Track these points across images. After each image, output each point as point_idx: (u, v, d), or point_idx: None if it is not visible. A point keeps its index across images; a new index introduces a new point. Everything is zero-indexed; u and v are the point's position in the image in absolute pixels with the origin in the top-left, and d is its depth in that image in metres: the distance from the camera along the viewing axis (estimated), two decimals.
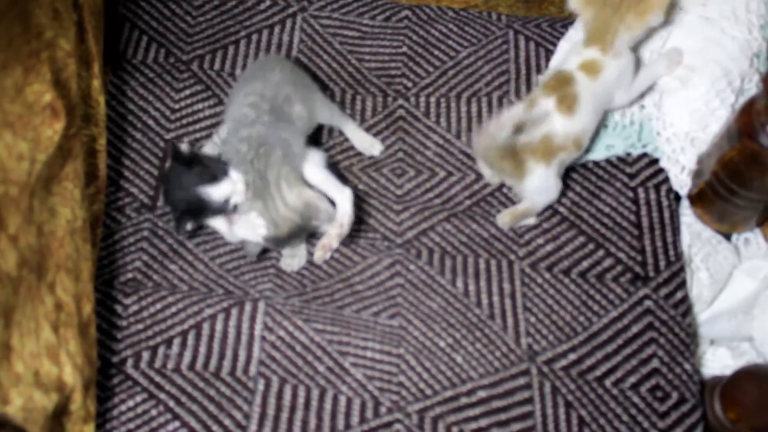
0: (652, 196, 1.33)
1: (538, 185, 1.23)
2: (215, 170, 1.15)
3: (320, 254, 1.18)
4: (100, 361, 1.19)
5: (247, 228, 1.18)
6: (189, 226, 1.17)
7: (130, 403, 1.19)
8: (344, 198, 1.20)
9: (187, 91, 1.45)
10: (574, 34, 1.43)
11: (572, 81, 1.21)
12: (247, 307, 1.24)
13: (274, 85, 1.26)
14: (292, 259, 1.29)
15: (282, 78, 1.28)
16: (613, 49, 1.22)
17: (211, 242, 1.31)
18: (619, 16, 1.21)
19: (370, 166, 1.38)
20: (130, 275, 1.29)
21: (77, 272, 1.13)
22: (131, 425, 1.17)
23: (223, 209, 1.16)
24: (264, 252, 1.29)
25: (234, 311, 1.24)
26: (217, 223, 1.21)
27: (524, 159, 1.21)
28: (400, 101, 1.44)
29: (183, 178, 1.16)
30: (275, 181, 1.18)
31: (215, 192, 1.14)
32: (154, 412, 1.18)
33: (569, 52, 1.28)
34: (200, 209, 1.16)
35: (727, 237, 1.34)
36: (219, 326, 1.23)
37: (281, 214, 1.17)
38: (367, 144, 1.38)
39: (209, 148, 1.33)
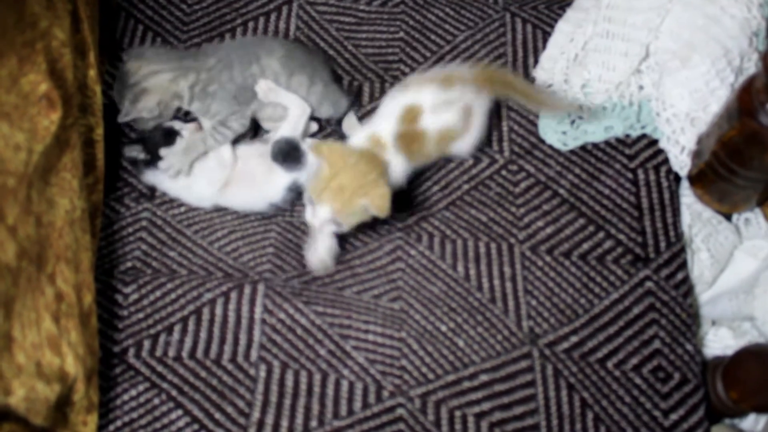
0: (652, 177, 1.33)
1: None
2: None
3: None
4: (102, 351, 1.19)
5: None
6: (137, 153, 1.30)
7: (133, 392, 1.19)
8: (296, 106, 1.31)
9: None
10: (573, 15, 1.43)
11: None
12: (247, 290, 1.24)
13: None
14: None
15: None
16: None
17: (210, 228, 1.31)
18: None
19: None
20: (129, 264, 1.29)
21: (77, 262, 1.13)
22: (134, 414, 1.17)
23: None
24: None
25: (233, 295, 1.24)
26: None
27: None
28: None
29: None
30: None
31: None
32: (156, 401, 1.18)
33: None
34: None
35: (728, 217, 1.34)
36: (219, 310, 1.23)
37: None
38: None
39: None
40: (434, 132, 1.23)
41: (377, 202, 1.13)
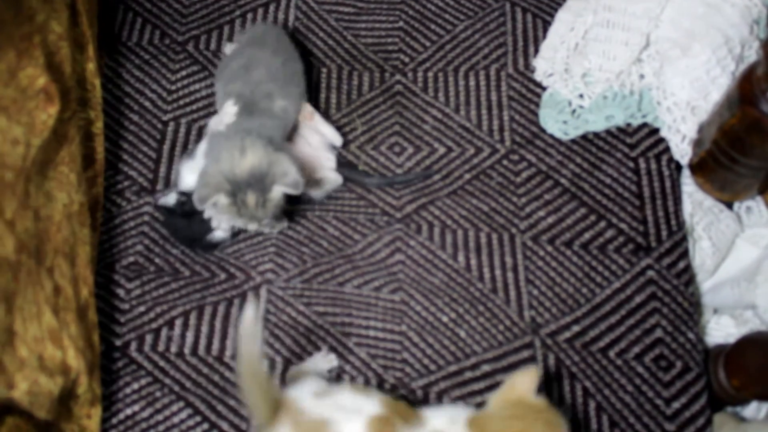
0: (653, 166, 1.33)
1: None
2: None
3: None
4: (104, 345, 1.19)
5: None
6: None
7: (135, 385, 1.19)
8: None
9: (183, 72, 1.44)
10: (573, 4, 1.42)
11: None
12: (250, 297, 1.24)
13: (254, 83, 1.23)
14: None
15: (266, 74, 1.24)
16: None
17: None
18: None
19: (367, 143, 1.37)
20: (131, 259, 1.29)
21: (73, 256, 1.13)
22: (137, 407, 1.18)
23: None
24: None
25: (236, 301, 1.24)
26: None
27: None
28: (398, 77, 1.43)
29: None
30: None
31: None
32: (158, 394, 1.18)
33: None
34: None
35: (729, 205, 1.33)
36: (221, 311, 1.23)
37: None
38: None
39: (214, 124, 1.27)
40: None
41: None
